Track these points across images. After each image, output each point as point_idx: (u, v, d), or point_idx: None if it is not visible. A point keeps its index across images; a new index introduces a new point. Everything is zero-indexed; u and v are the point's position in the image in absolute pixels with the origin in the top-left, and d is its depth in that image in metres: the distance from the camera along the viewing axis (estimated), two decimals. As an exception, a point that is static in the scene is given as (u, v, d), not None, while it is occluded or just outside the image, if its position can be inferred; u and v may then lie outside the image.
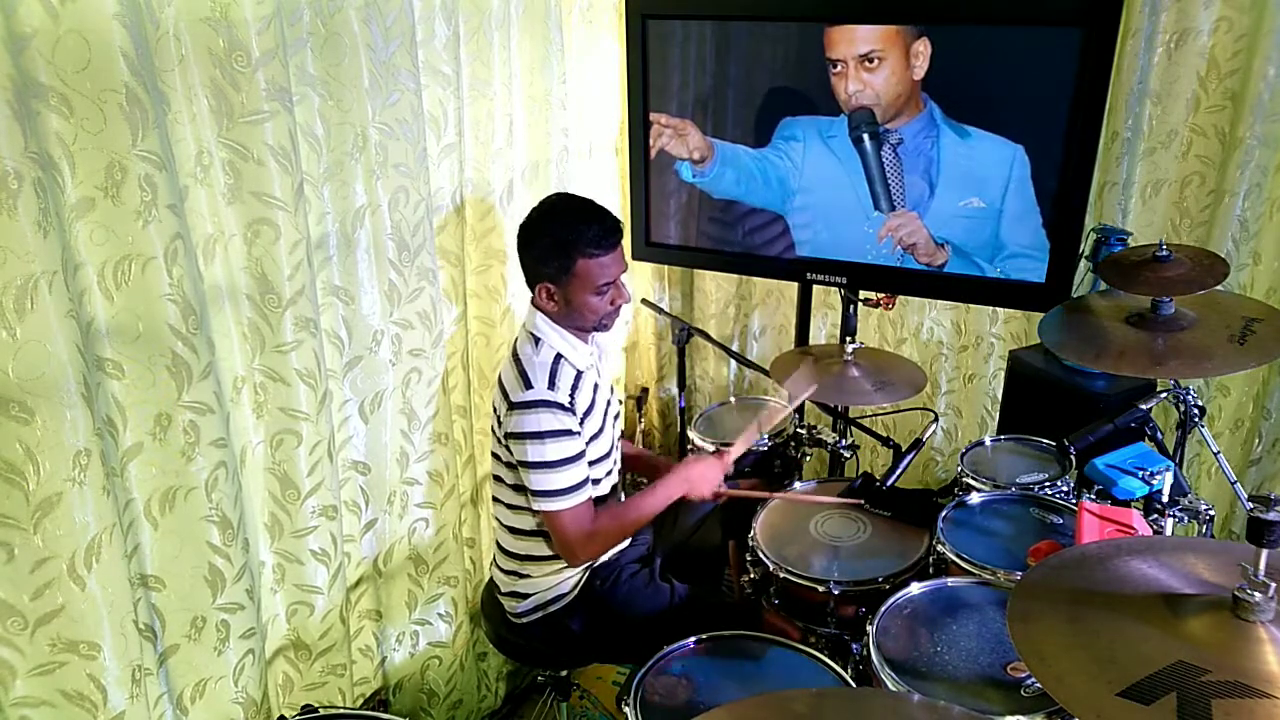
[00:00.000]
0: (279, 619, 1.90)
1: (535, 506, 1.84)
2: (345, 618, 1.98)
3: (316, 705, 1.51)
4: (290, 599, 1.89)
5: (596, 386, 1.95)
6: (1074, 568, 1.30)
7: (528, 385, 1.80)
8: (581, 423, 1.85)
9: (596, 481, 1.92)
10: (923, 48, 2.17)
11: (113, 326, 1.42)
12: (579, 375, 1.88)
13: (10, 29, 1.21)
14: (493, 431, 1.94)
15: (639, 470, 2.28)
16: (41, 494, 1.31)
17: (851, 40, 2.24)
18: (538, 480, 1.80)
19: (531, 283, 1.88)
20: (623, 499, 2.09)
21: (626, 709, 1.56)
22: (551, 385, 1.81)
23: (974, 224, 2.27)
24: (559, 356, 1.86)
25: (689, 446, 2.64)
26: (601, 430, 1.95)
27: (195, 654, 1.64)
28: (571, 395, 1.84)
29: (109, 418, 1.44)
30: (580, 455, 1.83)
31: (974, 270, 2.31)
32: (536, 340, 1.87)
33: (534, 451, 1.79)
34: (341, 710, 1.66)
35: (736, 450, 2.07)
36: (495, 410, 1.91)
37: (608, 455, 1.98)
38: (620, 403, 3.22)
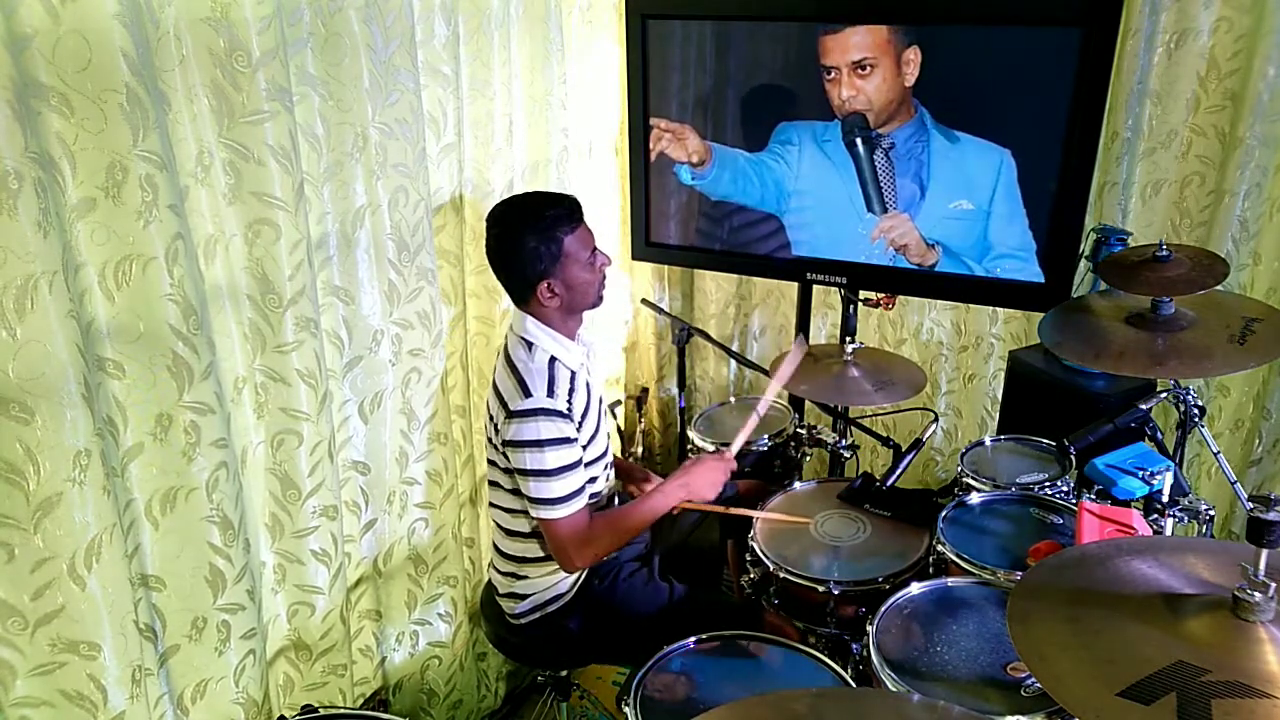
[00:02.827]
0: (280, 619, 1.90)
1: (533, 514, 1.84)
2: (345, 618, 1.98)
3: (317, 705, 1.51)
4: (291, 599, 1.89)
5: (589, 385, 1.95)
6: (1074, 568, 1.30)
7: (526, 393, 1.79)
8: (579, 426, 1.85)
9: (593, 480, 1.92)
10: (913, 55, 2.22)
11: (113, 326, 1.42)
12: (573, 376, 1.88)
13: (11, 29, 1.21)
14: (488, 438, 1.93)
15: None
16: (42, 494, 1.31)
17: (845, 48, 2.28)
18: (536, 488, 1.80)
19: (528, 289, 1.85)
20: (617, 501, 2.09)
21: (626, 709, 1.56)
22: (550, 392, 1.80)
23: (963, 225, 2.31)
24: (553, 359, 1.86)
25: (689, 447, 2.64)
26: (598, 430, 1.95)
27: (196, 654, 1.64)
28: (569, 399, 1.84)
29: (109, 418, 1.44)
30: (578, 463, 1.83)
31: (963, 270, 2.34)
32: (529, 345, 1.86)
33: (533, 460, 1.78)
34: (342, 710, 1.66)
35: (736, 445, 2.07)
36: (491, 417, 1.90)
37: (605, 454, 1.98)
38: (620, 402, 3.24)
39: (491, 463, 1.94)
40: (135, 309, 1.43)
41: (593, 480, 1.92)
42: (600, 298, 1.93)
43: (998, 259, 2.30)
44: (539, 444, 1.77)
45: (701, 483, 1.95)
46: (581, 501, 1.83)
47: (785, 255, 2.55)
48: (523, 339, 1.87)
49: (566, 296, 1.86)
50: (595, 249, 1.88)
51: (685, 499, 1.95)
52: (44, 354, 1.28)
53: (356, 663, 2.10)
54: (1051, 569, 1.32)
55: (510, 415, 1.80)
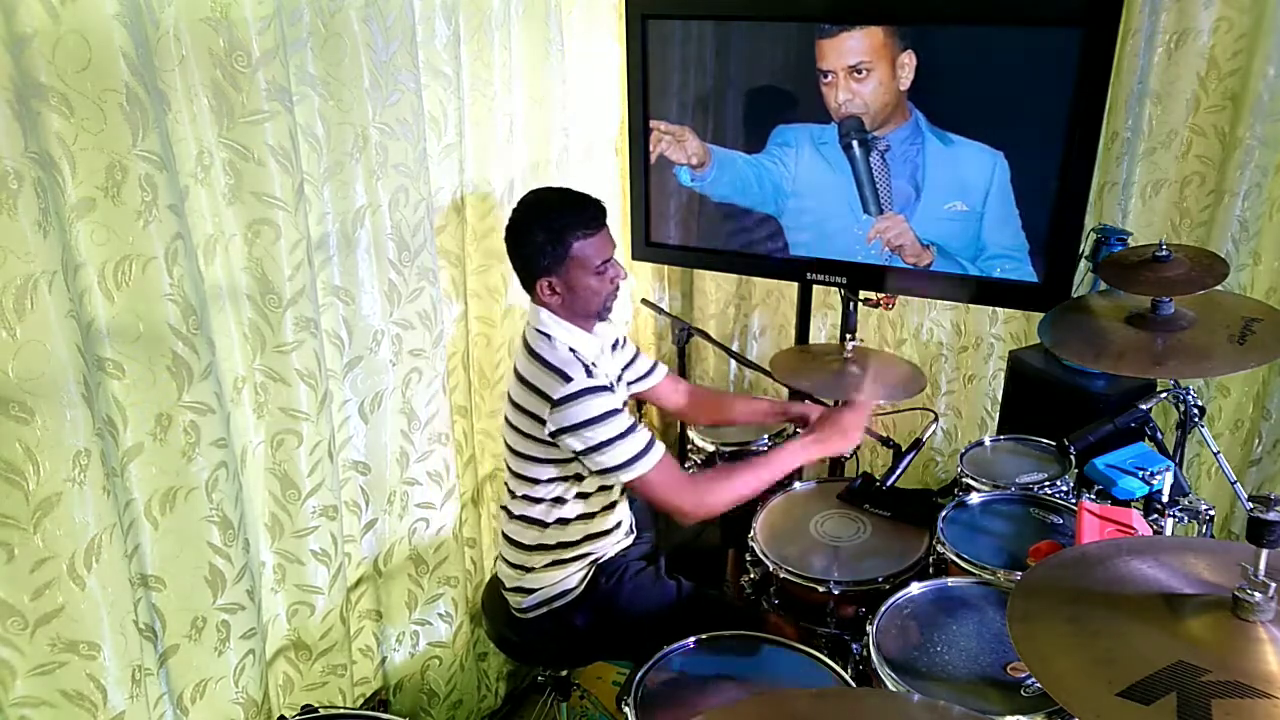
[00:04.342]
0: (279, 619, 1.90)
1: (622, 479, 1.83)
2: (345, 618, 1.98)
3: (317, 705, 1.51)
4: (291, 599, 1.89)
5: (608, 377, 1.95)
6: (1074, 568, 1.30)
7: (566, 379, 1.79)
8: None
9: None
10: (908, 60, 2.24)
11: (113, 326, 1.42)
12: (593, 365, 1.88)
13: (10, 29, 1.21)
14: (520, 433, 1.88)
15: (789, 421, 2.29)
16: (41, 494, 1.31)
17: (841, 52, 2.30)
18: (612, 455, 1.79)
19: (530, 281, 1.87)
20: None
21: (626, 709, 1.56)
22: (589, 373, 1.82)
23: (958, 226, 2.32)
24: (572, 350, 1.86)
25: (688, 447, 2.64)
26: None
27: (195, 654, 1.64)
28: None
29: (109, 418, 1.44)
30: (635, 424, 1.83)
31: (958, 270, 2.35)
32: (548, 338, 1.87)
33: (595, 434, 1.78)
34: (342, 710, 1.66)
35: (869, 396, 2.10)
36: (529, 413, 1.85)
37: None
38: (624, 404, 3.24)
39: (520, 454, 1.91)
40: (135, 309, 1.42)
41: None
42: (607, 309, 1.91)
43: (992, 259, 2.31)
44: (594, 420, 1.78)
45: (835, 434, 1.99)
46: (660, 450, 1.84)
47: (784, 255, 2.56)
48: (540, 332, 1.88)
49: (567, 298, 1.86)
50: (609, 260, 1.88)
51: (819, 455, 1.98)
52: (44, 354, 1.28)
53: (356, 663, 2.10)
54: (1051, 569, 1.32)
55: (555, 404, 1.79)
